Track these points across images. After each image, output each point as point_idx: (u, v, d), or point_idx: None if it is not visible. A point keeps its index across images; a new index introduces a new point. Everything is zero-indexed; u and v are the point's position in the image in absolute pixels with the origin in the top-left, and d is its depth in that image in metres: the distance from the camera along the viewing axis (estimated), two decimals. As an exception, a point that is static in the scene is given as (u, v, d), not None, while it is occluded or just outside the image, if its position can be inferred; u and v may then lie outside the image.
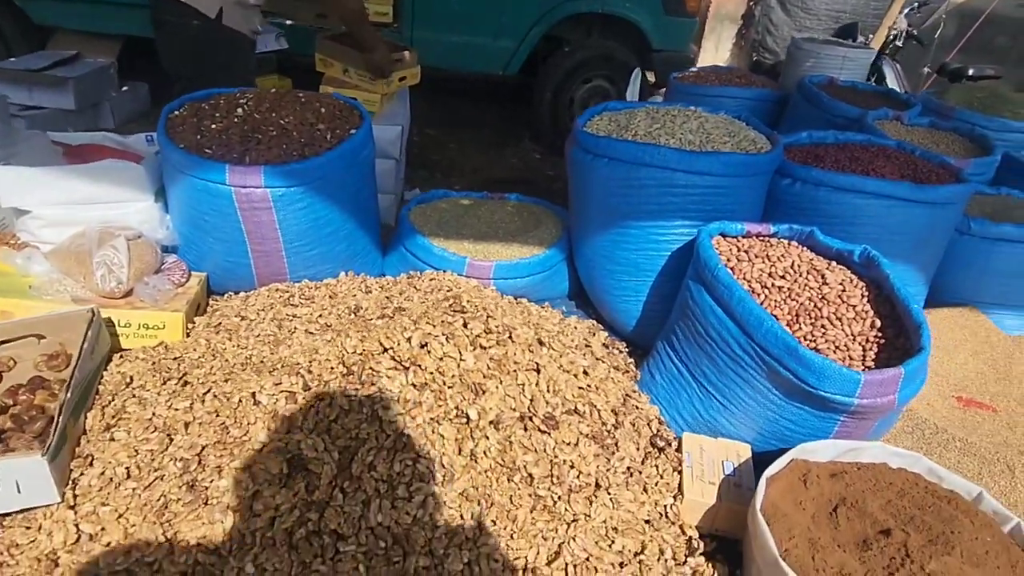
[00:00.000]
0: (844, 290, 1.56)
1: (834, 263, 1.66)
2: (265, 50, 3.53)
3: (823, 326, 1.49)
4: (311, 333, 1.46)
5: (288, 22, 4.05)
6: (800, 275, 1.59)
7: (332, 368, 1.23)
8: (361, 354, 1.24)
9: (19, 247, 1.67)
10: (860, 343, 1.48)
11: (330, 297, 1.77)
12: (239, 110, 1.78)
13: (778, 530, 1.19)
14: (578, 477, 1.23)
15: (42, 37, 4.15)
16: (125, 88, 4.00)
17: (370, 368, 1.21)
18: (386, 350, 1.24)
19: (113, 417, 1.24)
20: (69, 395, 1.21)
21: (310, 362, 1.26)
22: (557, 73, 4.39)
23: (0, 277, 1.55)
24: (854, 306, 1.53)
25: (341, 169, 1.80)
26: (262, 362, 1.34)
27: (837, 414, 1.39)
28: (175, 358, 1.43)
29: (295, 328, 1.56)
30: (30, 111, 3.39)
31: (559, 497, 1.19)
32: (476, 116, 4.99)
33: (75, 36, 4.26)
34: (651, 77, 4.45)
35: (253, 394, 1.19)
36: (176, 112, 1.83)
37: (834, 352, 1.45)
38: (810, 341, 1.47)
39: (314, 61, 2.90)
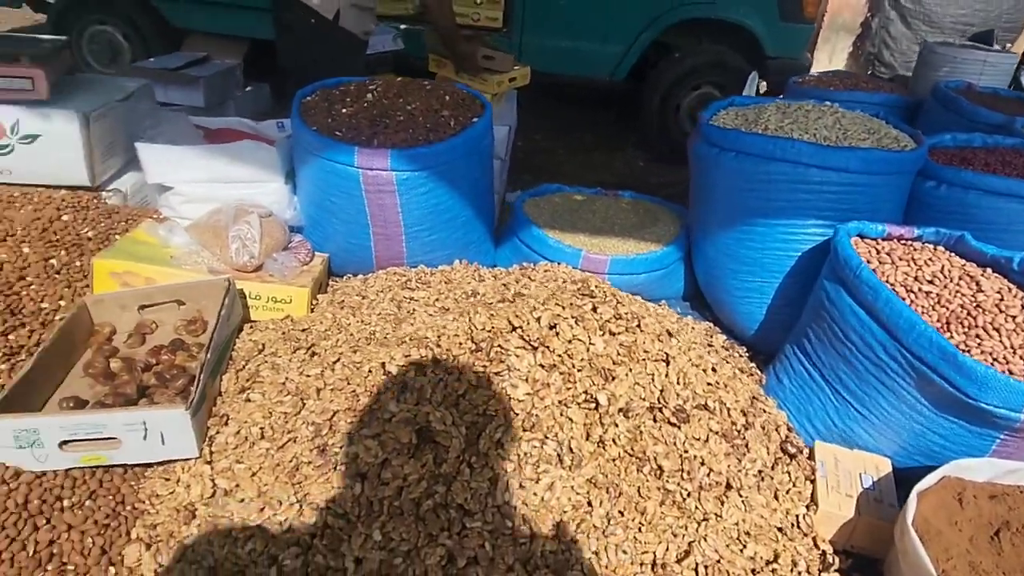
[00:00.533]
0: (1002, 299, 1.43)
1: (989, 270, 1.52)
2: (382, 50, 3.63)
3: (978, 336, 1.37)
4: (431, 315, 1.46)
5: (403, 26, 4.17)
6: (951, 281, 1.47)
7: (460, 343, 1.22)
8: (490, 331, 1.22)
9: (161, 221, 1.76)
10: (1021, 356, 1.34)
11: (445, 283, 1.77)
12: (369, 95, 1.83)
13: (934, 549, 1.08)
14: (708, 475, 1.16)
15: (177, 39, 4.43)
16: (249, 88, 4.21)
17: (498, 346, 1.19)
18: (515, 328, 1.22)
19: (248, 380, 1.28)
20: (208, 356, 1.25)
21: (438, 337, 1.25)
22: (665, 79, 4.31)
23: (145, 247, 1.64)
24: (1014, 317, 1.39)
25: (463, 156, 1.81)
26: (387, 337, 1.35)
27: (997, 431, 1.27)
28: (303, 329, 1.46)
29: (413, 309, 1.57)
30: (164, 107, 3.62)
31: (689, 493, 1.13)
32: (581, 121, 4.96)
33: (206, 38, 4.53)
34: (762, 87, 4.30)
35: (383, 364, 1.19)
36: (309, 97, 1.90)
37: (992, 365, 1.32)
38: (963, 351, 1.34)
39: (427, 62, 2.97)
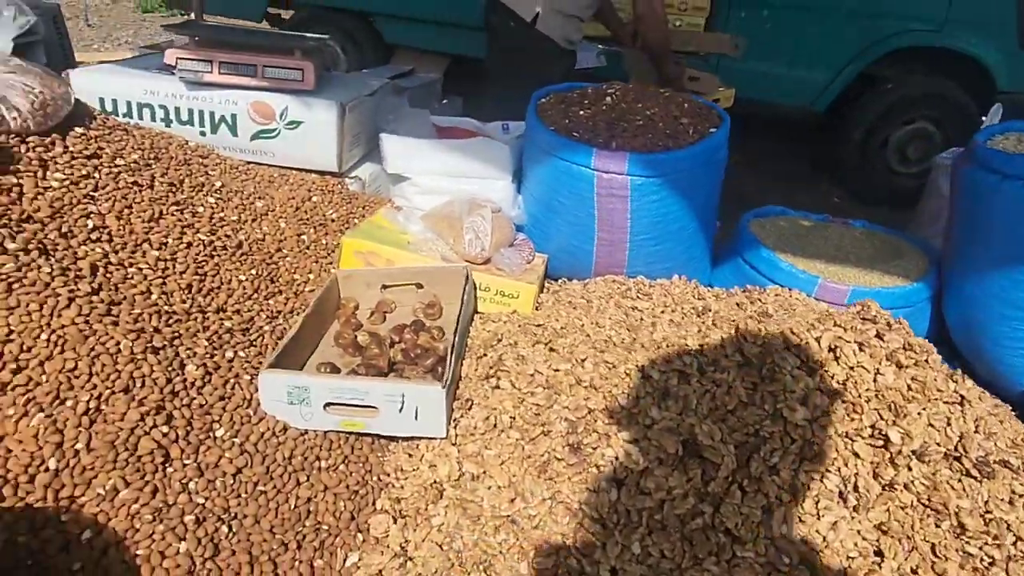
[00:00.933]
0: None
1: None
2: (585, 67, 3.65)
3: None
4: (673, 323, 1.38)
5: (601, 46, 4.18)
6: None
7: (728, 355, 1.13)
8: (761, 346, 1.12)
9: (397, 208, 1.83)
10: None
11: (666, 296, 1.69)
12: (607, 99, 1.80)
13: None
14: (1015, 544, 0.98)
15: (388, 53, 4.75)
16: (445, 101, 4.42)
17: (772, 362, 1.08)
18: (790, 347, 1.11)
19: (491, 368, 1.26)
20: (456, 339, 1.26)
21: (700, 344, 1.17)
22: (873, 112, 3.99)
23: (384, 231, 1.70)
24: None
25: (700, 166, 1.73)
26: (633, 341, 1.29)
27: None
28: (538, 325, 1.43)
29: (641, 319, 1.50)
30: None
31: (994, 561, 0.96)
32: (772, 152, 4.72)
33: (413, 53, 4.82)
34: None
35: (642, 367, 1.13)
36: (544, 99, 1.90)
37: None
38: None
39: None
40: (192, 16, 4.83)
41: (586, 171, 1.67)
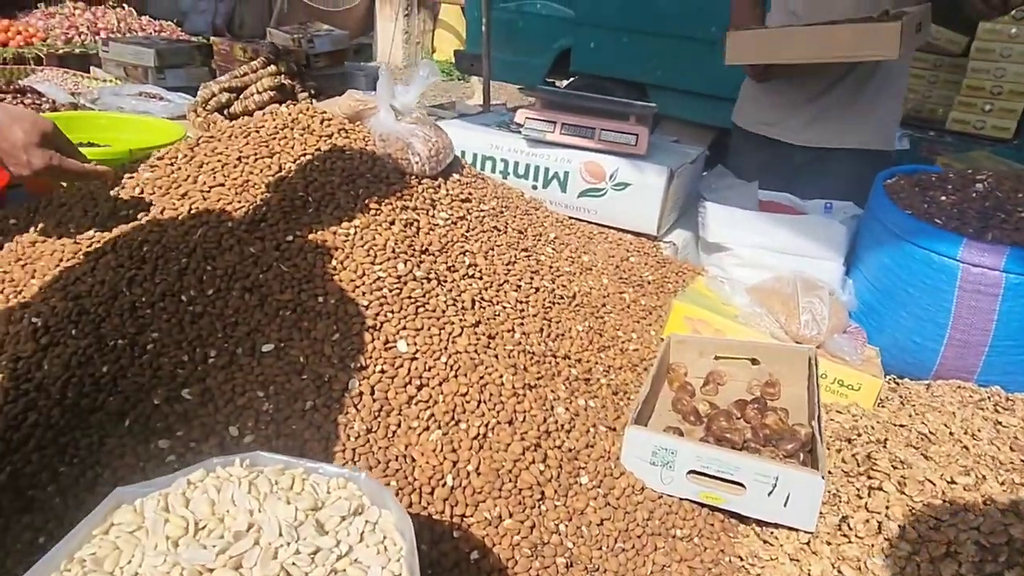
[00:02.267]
0: None
1: None
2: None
3: None
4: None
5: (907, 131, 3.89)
6: None
7: None
8: None
9: (719, 279, 1.79)
10: None
11: (1031, 416, 1.44)
12: (977, 186, 1.63)
13: None
14: None
15: (656, 123, 4.85)
16: (706, 172, 4.38)
17: None
18: None
19: (860, 466, 1.15)
20: (818, 425, 1.16)
21: None
22: None
23: (708, 299, 1.67)
24: None
25: (1093, 270, 1.49)
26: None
27: None
28: (900, 425, 1.29)
29: (1016, 437, 1.29)
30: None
31: None
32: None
33: (679, 123, 4.87)
34: None
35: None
36: (890, 180, 1.78)
37: None
38: None
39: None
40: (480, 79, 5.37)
41: (949, 262, 1.51)
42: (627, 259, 1.85)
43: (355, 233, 1.28)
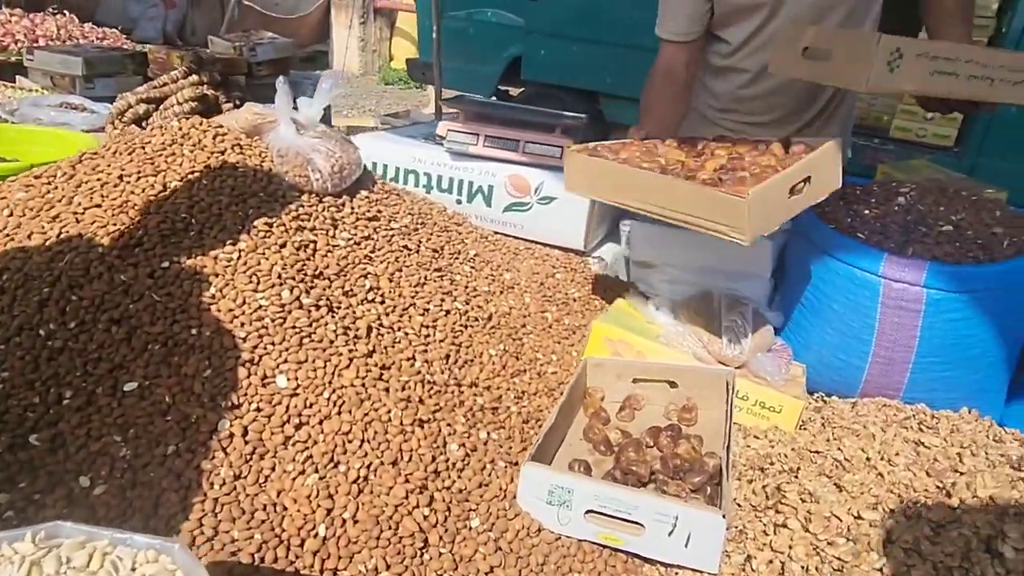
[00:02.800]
0: None
1: None
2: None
3: None
4: (992, 478, 1.13)
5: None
6: None
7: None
8: None
9: (643, 296, 1.74)
10: None
11: (955, 433, 1.41)
12: (900, 199, 1.60)
13: None
14: None
15: (606, 131, 4.84)
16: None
17: None
18: None
19: (770, 500, 1.09)
20: (727, 456, 1.11)
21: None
22: None
23: (630, 318, 1.62)
24: None
25: (1013, 285, 1.46)
26: (947, 495, 1.06)
27: None
28: (815, 451, 1.24)
29: (935, 460, 1.26)
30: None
31: None
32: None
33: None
34: None
35: (987, 538, 0.91)
36: (817, 194, 1.74)
37: None
38: None
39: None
40: (432, 88, 5.29)
41: (872, 278, 1.47)
42: (553, 275, 1.79)
43: (238, 258, 1.19)
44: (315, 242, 1.32)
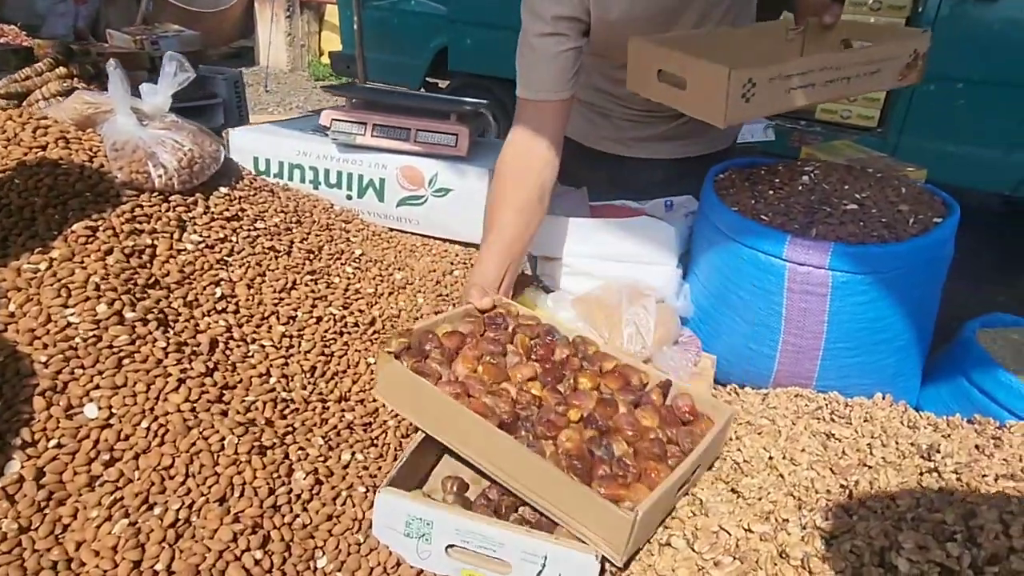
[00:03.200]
0: None
1: None
2: (750, 140, 3.38)
3: None
4: (896, 469, 1.05)
5: (775, 122, 3.89)
6: None
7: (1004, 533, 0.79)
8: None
9: (544, 290, 1.63)
10: None
11: (867, 422, 1.34)
12: (804, 179, 1.52)
13: None
14: None
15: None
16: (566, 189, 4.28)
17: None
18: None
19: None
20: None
21: (962, 514, 0.84)
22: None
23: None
24: None
25: (921, 264, 1.40)
26: (849, 495, 0.97)
27: None
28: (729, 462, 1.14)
29: (843, 452, 1.18)
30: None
31: None
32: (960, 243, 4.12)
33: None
34: None
35: (881, 550, 0.82)
36: (722, 175, 1.65)
37: None
38: None
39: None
40: (356, 80, 5.09)
41: (776, 262, 1.39)
42: (450, 273, 1.66)
43: (47, 268, 1.02)
44: (153, 247, 1.16)
